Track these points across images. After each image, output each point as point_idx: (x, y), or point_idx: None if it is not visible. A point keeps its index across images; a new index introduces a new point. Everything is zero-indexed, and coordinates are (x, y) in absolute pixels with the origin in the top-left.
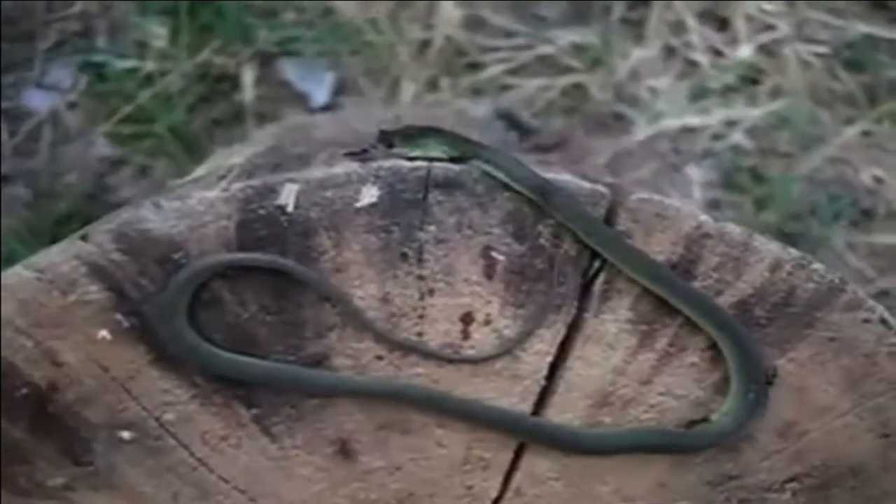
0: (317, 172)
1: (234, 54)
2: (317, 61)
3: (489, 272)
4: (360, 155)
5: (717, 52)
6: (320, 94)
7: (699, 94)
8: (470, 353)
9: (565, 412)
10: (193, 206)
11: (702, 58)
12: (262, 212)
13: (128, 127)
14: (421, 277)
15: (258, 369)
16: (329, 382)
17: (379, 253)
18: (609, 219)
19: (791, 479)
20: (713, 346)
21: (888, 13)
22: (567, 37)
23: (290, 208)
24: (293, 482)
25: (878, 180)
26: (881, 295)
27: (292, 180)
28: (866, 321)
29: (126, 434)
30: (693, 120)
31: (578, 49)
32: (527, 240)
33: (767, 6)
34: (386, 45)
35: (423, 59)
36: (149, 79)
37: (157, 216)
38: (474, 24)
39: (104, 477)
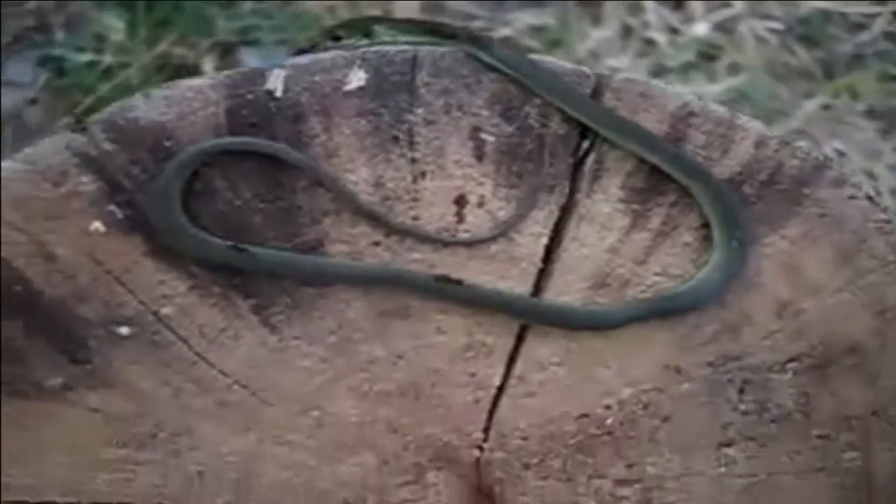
0: (303, 59)
1: (193, 45)
2: (276, 50)
3: (479, 154)
4: (310, 50)
5: (674, 31)
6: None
7: (658, 72)
8: (465, 236)
9: (563, 294)
10: (182, 93)
11: (659, 36)
12: (250, 97)
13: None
14: (413, 160)
15: (253, 257)
16: (325, 269)
17: (369, 136)
18: (594, 99)
19: (791, 359)
20: (705, 225)
21: None
22: (525, 19)
23: (278, 93)
24: (295, 374)
25: (840, 153)
26: None
27: (279, 65)
28: (852, 197)
29: (124, 330)
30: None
31: (537, 30)
32: (515, 120)
33: None
34: None
35: None
36: (108, 72)
37: (147, 105)
38: (433, 8)
39: (103, 375)
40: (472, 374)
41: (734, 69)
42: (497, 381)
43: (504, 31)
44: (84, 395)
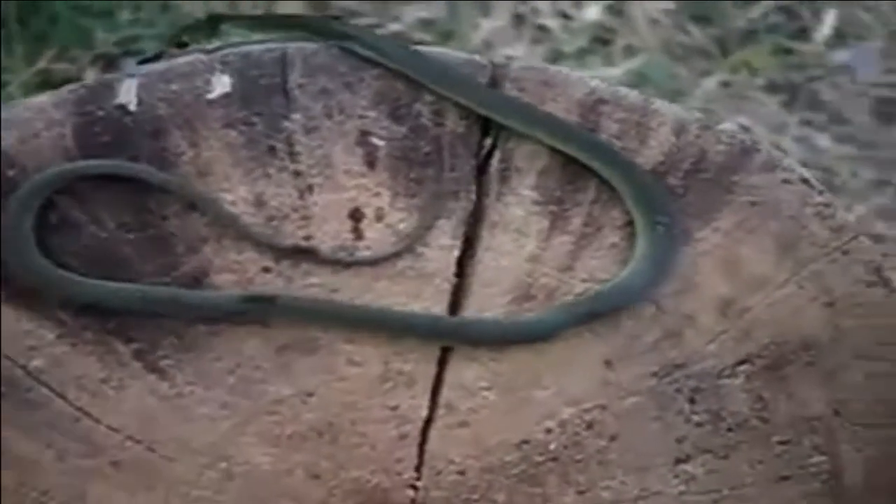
0: (157, 66)
1: (74, 59)
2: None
3: (371, 160)
4: (154, 59)
5: (567, 16)
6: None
7: (555, 59)
8: (366, 254)
9: (484, 310)
10: (21, 114)
11: (552, 23)
12: (100, 113)
13: None
14: (297, 173)
15: (127, 294)
16: (213, 302)
17: (243, 149)
18: (493, 85)
19: (742, 362)
20: (629, 223)
21: None
22: (413, 13)
23: (132, 106)
24: (194, 423)
25: (744, 128)
26: None
27: (130, 75)
28: (786, 181)
29: None
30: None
31: (426, 24)
32: (406, 120)
33: None
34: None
35: None
36: None
37: None
38: (320, 7)
39: None
40: (394, 407)
41: (630, 51)
42: (423, 413)
43: (393, 27)
44: None
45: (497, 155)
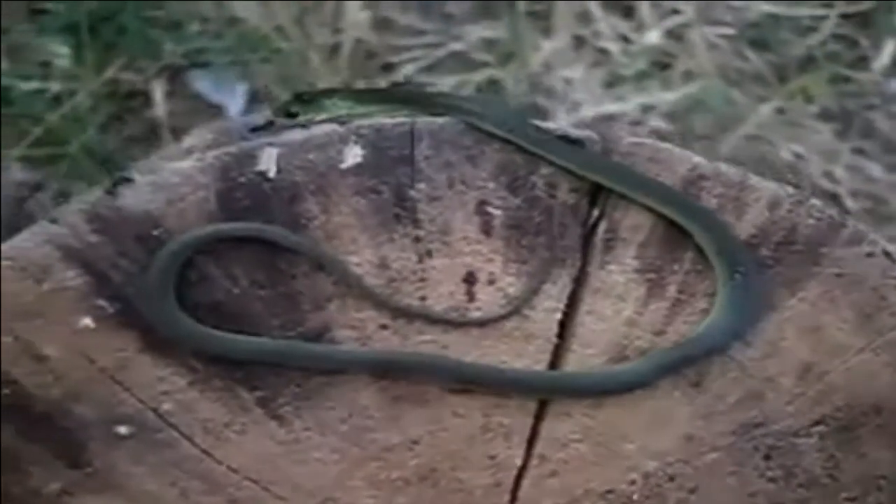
0: (295, 135)
1: (141, 70)
2: (227, 71)
3: (487, 228)
4: (265, 128)
5: (626, 40)
6: (235, 104)
7: (613, 82)
8: (476, 314)
9: (582, 370)
10: (168, 178)
11: (612, 46)
12: (242, 179)
13: (41, 150)
14: (417, 239)
15: (256, 347)
16: (334, 356)
17: (371, 215)
18: None
19: (817, 423)
20: None
21: None
22: (476, 32)
23: (271, 173)
24: (307, 466)
25: (798, 156)
26: None
27: (271, 144)
28: (870, 255)
29: (123, 429)
30: (610, 107)
31: (489, 44)
32: (521, 192)
33: None
34: (296, 51)
35: (334, 63)
36: (56, 100)
37: (131, 192)
38: (383, 25)
39: (104, 478)
40: (492, 457)
41: (688, 76)
42: (518, 462)
43: (456, 46)
44: (86, 500)
45: (603, 225)
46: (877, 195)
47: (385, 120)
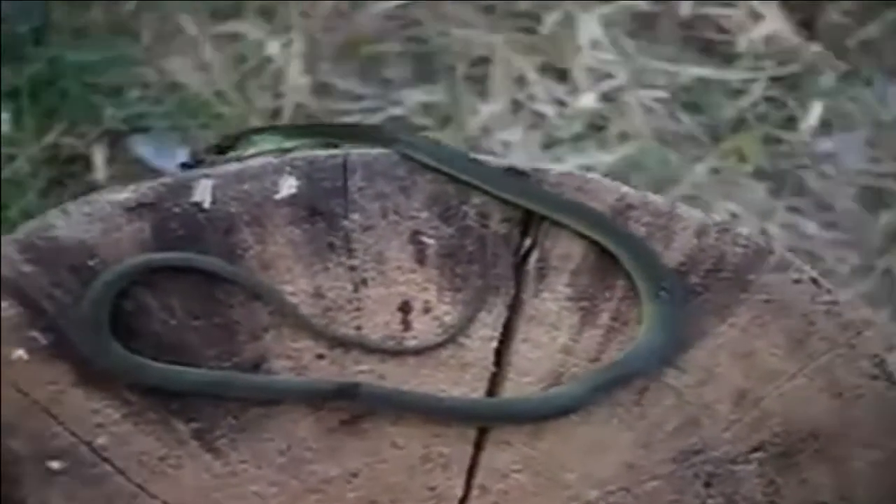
0: (230, 167)
1: (82, 135)
2: (168, 136)
3: (421, 258)
4: (194, 165)
5: (562, 103)
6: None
7: (550, 144)
8: (413, 343)
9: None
10: (104, 208)
11: (547, 109)
12: (177, 210)
13: None
14: (352, 268)
15: (192, 378)
16: (271, 386)
17: (305, 245)
18: None
19: (755, 449)
20: None
21: (717, 57)
22: (414, 97)
23: (206, 204)
24: (245, 501)
25: (733, 214)
26: None
27: (206, 175)
28: (797, 281)
29: (56, 464)
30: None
31: (427, 108)
32: (454, 221)
33: (603, 56)
34: (236, 115)
35: None
36: None
37: (66, 223)
38: (322, 89)
39: None
40: (432, 488)
41: (624, 138)
42: (459, 493)
43: (395, 111)
44: None
45: (535, 254)
46: (812, 252)
47: (319, 152)
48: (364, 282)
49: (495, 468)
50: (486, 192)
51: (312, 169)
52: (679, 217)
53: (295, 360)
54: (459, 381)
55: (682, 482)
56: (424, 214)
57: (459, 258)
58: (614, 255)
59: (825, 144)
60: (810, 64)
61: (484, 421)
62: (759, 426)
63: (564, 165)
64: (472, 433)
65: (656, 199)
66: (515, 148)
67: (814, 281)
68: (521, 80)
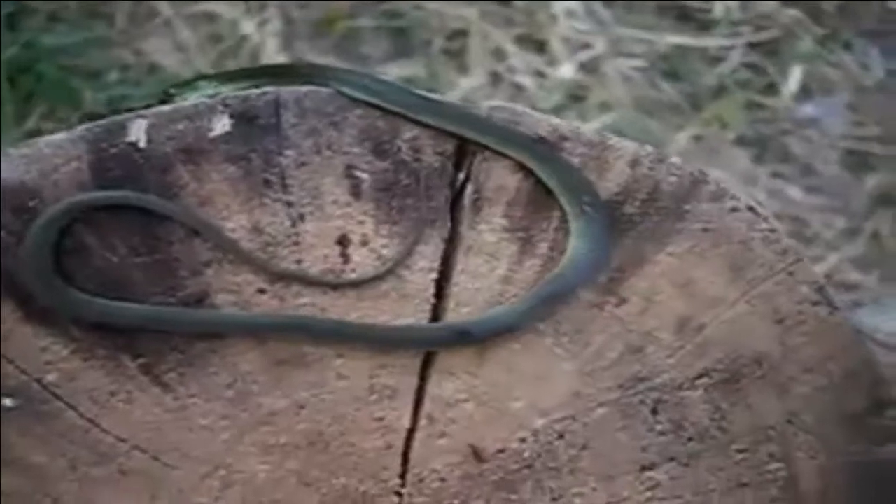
0: (164, 108)
1: (62, 119)
2: None
3: (356, 192)
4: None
5: (541, 74)
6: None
7: None
8: (352, 276)
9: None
10: (42, 150)
11: (526, 80)
12: (114, 150)
13: None
14: (289, 203)
15: (136, 314)
16: (213, 320)
17: (241, 182)
18: None
19: (700, 375)
20: None
21: (694, 24)
22: (393, 71)
23: (142, 144)
24: (196, 433)
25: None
26: None
27: (141, 116)
28: (734, 209)
29: (8, 401)
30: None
31: (407, 82)
32: (387, 156)
33: (581, 26)
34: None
35: None
36: None
37: (6, 165)
38: None
39: None
40: (380, 419)
41: (604, 107)
42: (406, 424)
43: None
44: None
45: (469, 187)
46: (798, 217)
47: (251, 90)
48: (301, 217)
49: (442, 398)
50: (418, 122)
51: (245, 107)
52: (612, 147)
53: (237, 295)
54: (400, 313)
55: (629, 409)
56: (357, 149)
57: (394, 191)
58: (540, 177)
59: (807, 109)
60: (788, 29)
61: (430, 345)
62: (703, 353)
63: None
64: (416, 364)
65: (587, 129)
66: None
67: (751, 209)
68: (498, 53)
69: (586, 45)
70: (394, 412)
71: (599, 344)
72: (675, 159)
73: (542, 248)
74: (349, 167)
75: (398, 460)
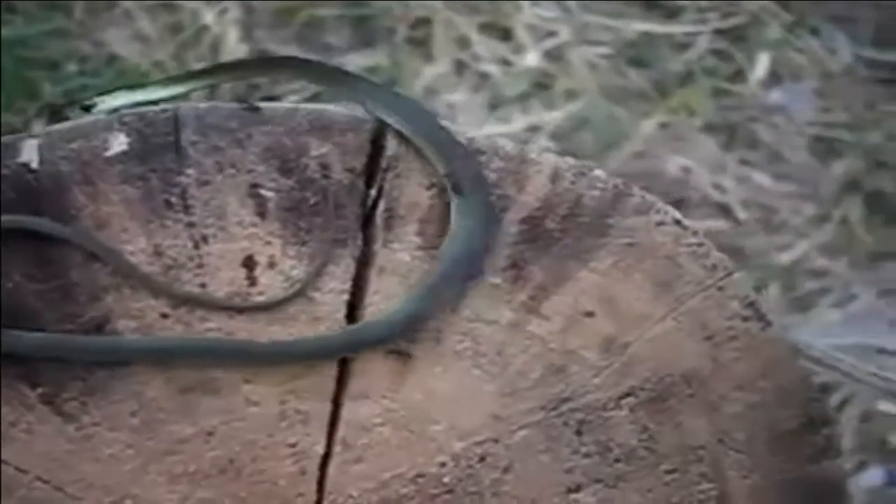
0: (59, 126)
1: (21, 110)
2: None
3: (261, 211)
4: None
5: (506, 62)
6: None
7: (497, 104)
8: (260, 299)
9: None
10: None
11: (492, 68)
12: (5, 171)
13: None
14: (191, 224)
15: (33, 341)
16: (114, 346)
17: (140, 203)
18: (376, 141)
19: (626, 395)
20: (513, 266)
21: (660, 10)
22: (357, 61)
23: (34, 164)
24: (101, 464)
25: (686, 169)
26: None
27: (32, 135)
28: (660, 224)
29: None
30: (496, 129)
31: (371, 71)
32: (294, 173)
33: (546, 13)
34: None
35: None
36: None
37: None
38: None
39: None
40: (293, 444)
41: (570, 95)
42: (321, 449)
43: None
44: None
45: (381, 205)
46: (767, 205)
47: (148, 107)
48: (205, 238)
49: (357, 422)
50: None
51: (143, 124)
52: (531, 161)
53: (139, 320)
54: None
55: (552, 430)
56: (262, 167)
57: (302, 210)
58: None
59: (774, 96)
60: (755, 15)
61: (340, 351)
62: (629, 372)
63: (512, 125)
64: (329, 388)
65: (506, 143)
66: (461, 109)
67: (678, 223)
68: (463, 41)
69: (552, 33)
70: (307, 438)
71: (520, 364)
72: (598, 172)
73: None
74: (254, 186)
75: (313, 487)
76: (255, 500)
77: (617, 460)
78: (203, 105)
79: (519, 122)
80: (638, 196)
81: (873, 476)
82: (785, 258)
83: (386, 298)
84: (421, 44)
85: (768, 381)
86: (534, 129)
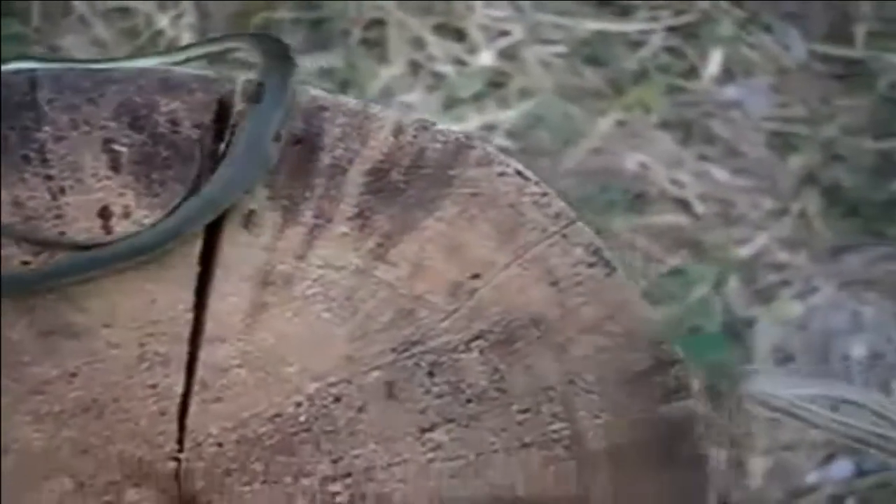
0: None
1: None
2: None
3: (115, 165)
4: None
5: (460, 62)
6: None
7: (451, 104)
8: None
9: (229, 296)
10: None
11: (446, 69)
12: None
13: None
14: (49, 177)
15: None
16: None
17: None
18: (224, 101)
19: (476, 338)
20: (360, 215)
21: (613, 9)
22: (312, 63)
23: None
24: None
25: (643, 165)
26: (675, 273)
27: None
28: (502, 174)
29: None
30: (452, 128)
31: (325, 74)
32: (145, 129)
33: (498, 13)
34: None
35: None
36: None
37: None
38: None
39: None
40: (153, 385)
41: (525, 94)
42: (180, 389)
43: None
44: None
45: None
46: (725, 199)
47: (7, 66)
48: (62, 190)
49: (214, 364)
50: None
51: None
52: (374, 116)
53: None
54: (166, 279)
55: (404, 372)
56: (114, 124)
57: (154, 164)
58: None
59: (729, 91)
60: (707, 12)
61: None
62: (477, 316)
63: (467, 124)
64: (185, 331)
65: (349, 99)
66: (416, 109)
67: (519, 173)
68: (417, 42)
69: (505, 32)
70: (166, 379)
71: (370, 308)
72: (440, 127)
73: (307, 215)
74: (107, 141)
75: (174, 426)
76: (119, 438)
77: (469, 401)
78: (59, 66)
79: (474, 121)
80: (480, 148)
81: (842, 468)
82: (744, 252)
83: (237, 247)
84: (376, 45)
85: (616, 325)
86: (489, 127)
